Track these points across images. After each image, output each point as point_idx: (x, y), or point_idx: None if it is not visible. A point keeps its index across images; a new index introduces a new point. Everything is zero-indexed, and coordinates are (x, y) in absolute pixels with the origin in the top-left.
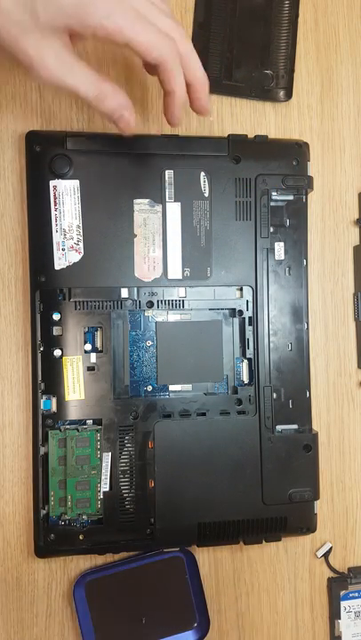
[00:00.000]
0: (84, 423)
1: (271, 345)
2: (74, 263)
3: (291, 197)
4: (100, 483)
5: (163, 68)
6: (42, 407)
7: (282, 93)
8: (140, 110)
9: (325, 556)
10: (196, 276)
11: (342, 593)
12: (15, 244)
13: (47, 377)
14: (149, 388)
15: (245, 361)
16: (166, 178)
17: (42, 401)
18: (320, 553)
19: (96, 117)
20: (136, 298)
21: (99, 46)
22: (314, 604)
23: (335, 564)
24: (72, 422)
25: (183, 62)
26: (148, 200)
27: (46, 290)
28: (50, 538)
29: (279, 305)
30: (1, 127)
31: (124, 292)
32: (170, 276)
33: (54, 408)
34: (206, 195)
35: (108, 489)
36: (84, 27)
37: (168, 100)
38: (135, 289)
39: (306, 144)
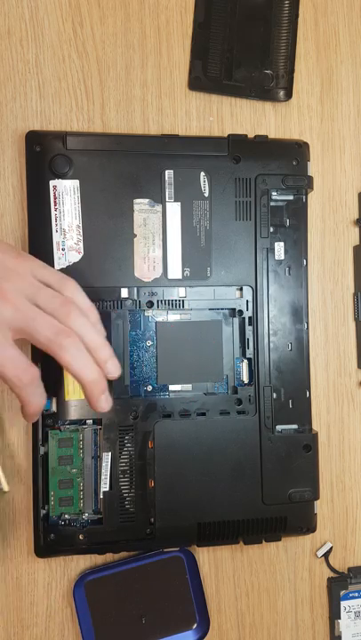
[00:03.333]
0: (84, 423)
1: (271, 345)
2: (74, 263)
3: (291, 197)
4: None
5: (15, 392)
6: None
7: (282, 93)
8: (141, 110)
9: (325, 556)
10: (196, 275)
11: (342, 593)
12: (15, 244)
13: (47, 377)
14: (149, 388)
15: (245, 361)
16: (166, 178)
17: None
18: (320, 553)
19: (96, 117)
20: (136, 298)
21: (99, 46)
22: (314, 604)
23: (335, 563)
24: (72, 422)
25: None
26: (148, 200)
27: None
28: (50, 538)
29: (279, 305)
30: (1, 127)
31: (124, 292)
32: (170, 276)
33: (54, 408)
34: (206, 195)
35: (108, 489)
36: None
37: (22, 408)
38: (135, 289)
39: (306, 144)
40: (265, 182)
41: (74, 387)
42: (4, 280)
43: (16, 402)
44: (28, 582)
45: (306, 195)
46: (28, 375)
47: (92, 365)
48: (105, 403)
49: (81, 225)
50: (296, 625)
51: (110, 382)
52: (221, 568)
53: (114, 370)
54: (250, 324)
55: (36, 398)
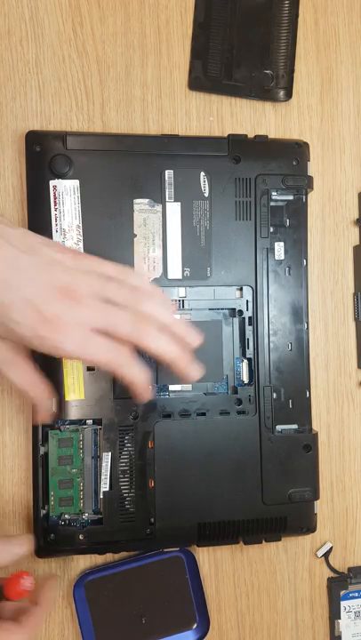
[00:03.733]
0: (84, 423)
1: (271, 345)
2: None
3: (291, 197)
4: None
5: (117, 374)
6: None
7: (282, 93)
8: (141, 110)
9: (325, 556)
10: (196, 275)
11: (342, 593)
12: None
13: (47, 377)
14: None
15: (245, 361)
16: (166, 178)
17: None
18: (320, 553)
19: (96, 117)
20: None
21: (99, 46)
22: (314, 604)
23: (335, 563)
24: (72, 422)
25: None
26: (148, 200)
27: None
28: (50, 538)
29: (279, 305)
30: (1, 127)
31: None
32: (170, 276)
33: (54, 408)
34: (206, 194)
35: (108, 489)
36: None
37: (131, 387)
38: None
39: (306, 144)
40: (265, 182)
41: (74, 387)
42: (74, 283)
43: (16, 401)
44: None
45: (306, 195)
46: (123, 354)
47: (172, 344)
48: (195, 371)
49: (81, 225)
50: (296, 625)
51: (112, 382)
52: (221, 568)
53: (194, 339)
54: (250, 324)
55: (141, 374)
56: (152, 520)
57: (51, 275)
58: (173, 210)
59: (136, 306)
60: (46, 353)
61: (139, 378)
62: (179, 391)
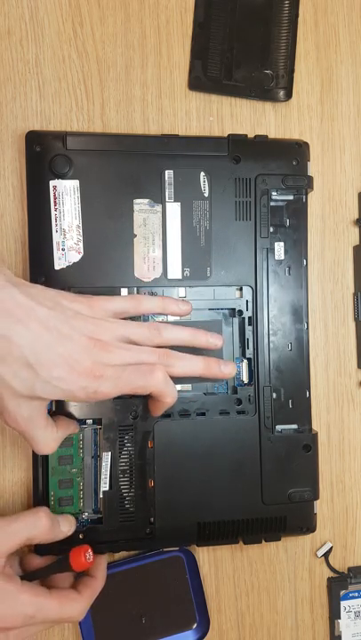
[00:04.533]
0: (84, 423)
1: (271, 345)
2: (74, 263)
3: (291, 197)
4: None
5: (154, 394)
6: None
7: (282, 93)
8: (141, 110)
9: (325, 555)
10: (196, 276)
11: (342, 593)
12: (15, 244)
13: None
14: None
15: (245, 361)
16: (166, 178)
17: None
18: (320, 553)
19: (96, 117)
20: None
21: (99, 46)
22: (314, 604)
23: (335, 563)
24: None
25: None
26: (147, 200)
27: None
28: None
29: (279, 305)
30: (1, 127)
31: (124, 292)
32: (170, 276)
33: (54, 407)
34: (206, 195)
35: (107, 488)
36: (78, 400)
37: (158, 404)
38: (135, 289)
39: (306, 144)
40: (265, 182)
41: None
42: (97, 332)
43: None
44: None
45: (306, 195)
46: (157, 374)
47: (196, 360)
48: (227, 369)
49: (81, 225)
50: (296, 625)
51: None
52: (221, 568)
53: (217, 342)
54: (250, 324)
55: (172, 389)
56: (152, 520)
57: (78, 329)
58: (173, 210)
59: (157, 339)
60: (88, 401)
61: (172, 397)
62: (179, 391)
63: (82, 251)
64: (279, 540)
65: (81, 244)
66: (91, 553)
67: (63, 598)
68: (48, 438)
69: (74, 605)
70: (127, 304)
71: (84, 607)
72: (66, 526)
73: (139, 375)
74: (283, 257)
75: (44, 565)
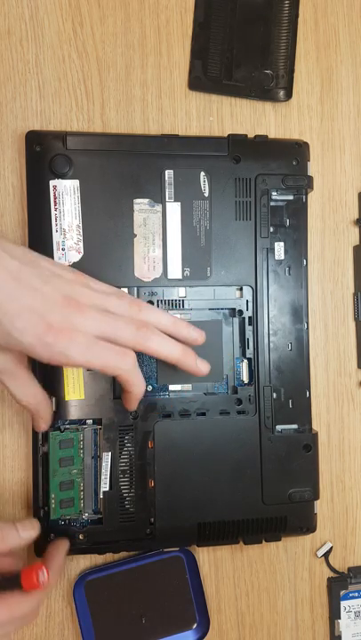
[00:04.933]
0: (84, 423)
1: (271, 345)
2: (74, 263)
3: (291, 197)
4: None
5: (121, 379)
6: None
7: (282, 93)
8: (141, 110)
9: (325, 555)
10: (196, 275)
11: (342, 593)
12: (15, 243)
13: (47, 376)
14: (149, 388)
15: (245, 361)
16: (166, 178)
17: None
18: (320, 553)
19: (96, 117)
20: (136, 298)
21: (99, 46)
22: (314, 604)
23: (335, 563)
24: (72, 422)
25: (138, 347)
26: (148, 200)
27: None
28: (50, 537)
29: (279, 305)
30: (1, 127)
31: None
32: (170, 276)
33: (54, 408)
34: (206, 194)
35: (107, 489)
36: (43, 360)
37: (127, 395)
38: (135, 289)
39: (306, 144)
40: (265, 182)
41: (74, 387)
42: (75, 294)
43: (16, 403)
44: None
45: (306, 195)
46: (129, 359)
47: (175, 343)
48: (203, 366)
49: (81, 225)
50: (296, 625)
51: (112, 381)
52: (221, 568)
53: (197, 335)
54: (250, 324)
55: (142, 383)
56: (152, 520)
57: (53, 286)
58: (173, 210)
59: (137, 314)
60: (51, 362)
61: (139, 387)
62: (179, 391)
63: (82, 250)
64: (279, 540)
65: (81, 244)
66: (45, 573)
67: (10, 600)
68: (26, 394)
69: (22, 605)
70: (108, 289)
71: (35, 605)
72: (27, 531)
73: (111, 353)
74: (283, 257)
75: None
